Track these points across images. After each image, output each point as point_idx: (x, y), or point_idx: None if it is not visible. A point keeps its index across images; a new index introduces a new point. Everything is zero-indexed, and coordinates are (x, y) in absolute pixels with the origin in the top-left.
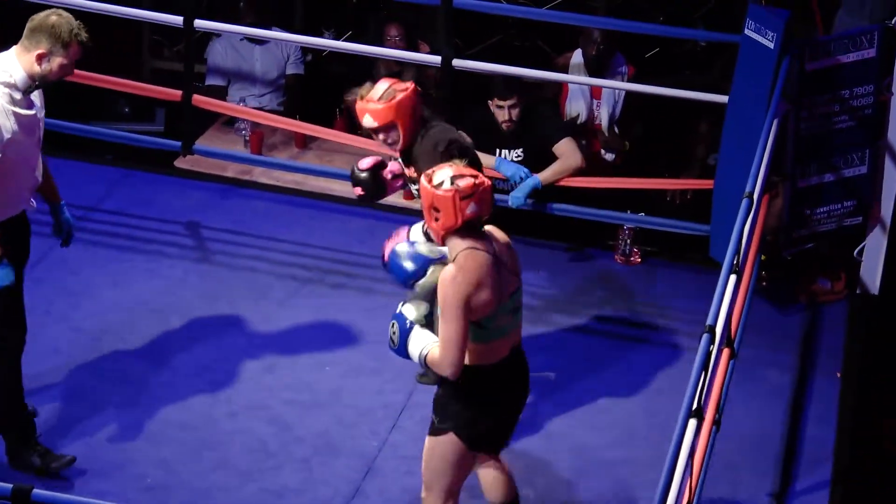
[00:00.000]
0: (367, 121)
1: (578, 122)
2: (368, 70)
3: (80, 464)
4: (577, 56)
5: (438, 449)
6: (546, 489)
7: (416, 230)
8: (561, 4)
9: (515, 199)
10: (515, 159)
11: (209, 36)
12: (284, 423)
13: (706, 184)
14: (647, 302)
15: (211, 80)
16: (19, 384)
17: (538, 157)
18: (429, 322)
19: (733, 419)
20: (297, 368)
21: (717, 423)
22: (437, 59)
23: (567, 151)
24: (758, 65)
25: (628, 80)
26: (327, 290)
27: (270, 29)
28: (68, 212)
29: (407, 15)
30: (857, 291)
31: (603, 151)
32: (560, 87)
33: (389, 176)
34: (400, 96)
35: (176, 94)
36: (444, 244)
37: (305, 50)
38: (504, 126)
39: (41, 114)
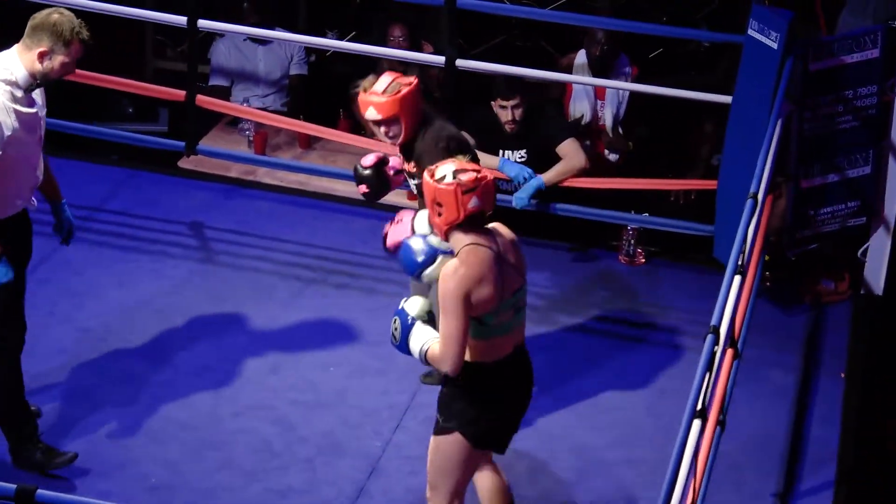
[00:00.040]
0: (371, 113)
1: (582, 122)
2: (372, 70)
3: (84, 463)
4: (580, 56)
5: (444, 448)
6: (548, 489)
7: (422, 218)
8: (564, 5)
9: (519, 199)
10: (519, 160)
11: (212, 36)
12: (289, 424)
13: (710, 184)
14: (650, 302)
15: (214, 81)
16: (20, 383)
17: (542, 158)
18: (431, 318)
19: (737, 420)
20: (302, 368)
21: (721, 423)
22: (440, 59)
23: (571, 152)
24: (761, 65)
25: (632, 81)
26: (331, 291)
27: (274, 29)
28: (69, 211)
29: (410, 15)
30: (861, 292)
31: (606, 152)
32: (564, 88)
33: (392, 172)
34: (404, 90)
35: (179, 94)
36: (447, 240)
37: (309, 50)
38: (507, 127)
39: (42, 112)
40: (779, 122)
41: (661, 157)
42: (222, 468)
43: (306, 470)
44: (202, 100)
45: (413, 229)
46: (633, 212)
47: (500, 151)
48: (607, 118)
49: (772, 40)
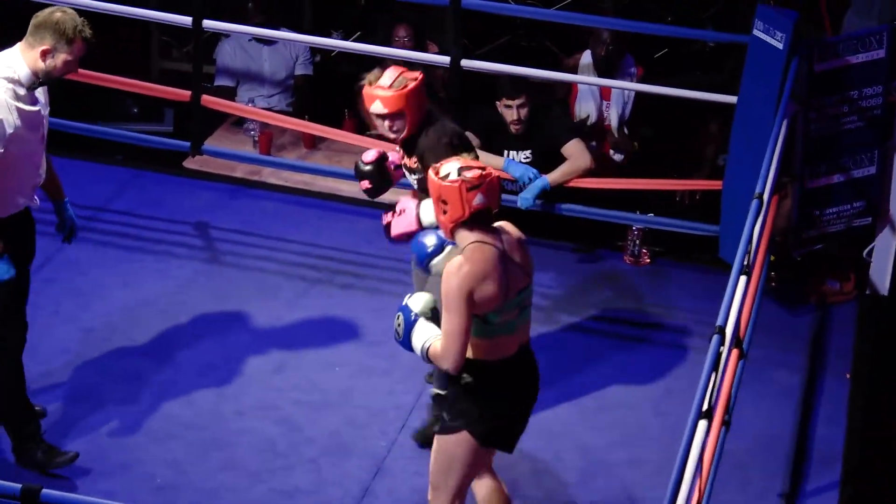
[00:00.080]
0: (377, 107)
1: (588, 123)
2: None
3: (89, 463)
4: (586, 57)
5: (449, 447)
6: (552, 490)
7: (427, 207)
8: (569, 5)
9: (524, 200)
10: (524, 160)
11: (218, 36)
12: (294, 424)
13: (715, 184)
14: (655, 303)
15: (220, 81)
16: (21, 382)
17: (547, 158)
18: (436, 315)
19: (743, 420)
20: (307, 368)
21: (726, 423)
22: (445, 59)
23: (576, 152)
24: (767, 65)
25: (637, 81)
26: (336, 291)
27: (279, 29)
28: (72, 209)
29: (415, 15)
30: (867, 292)
31: (612, 152)
32: (569, 88)
33: (392, 167)
34: (411, 85)
35: (185, 94)
36: (453, 238)
37: (314, 50)
38: (512, 127)
39: (45, 111)
40: (784, 123)
41: (667, 158)
42: (227, 468)
43: (311, 470)
44: (207, 100)
45: (418, 218)
46: (638, 212)
47: (505, 152)
48: (613, 118)
49: (777, 40)
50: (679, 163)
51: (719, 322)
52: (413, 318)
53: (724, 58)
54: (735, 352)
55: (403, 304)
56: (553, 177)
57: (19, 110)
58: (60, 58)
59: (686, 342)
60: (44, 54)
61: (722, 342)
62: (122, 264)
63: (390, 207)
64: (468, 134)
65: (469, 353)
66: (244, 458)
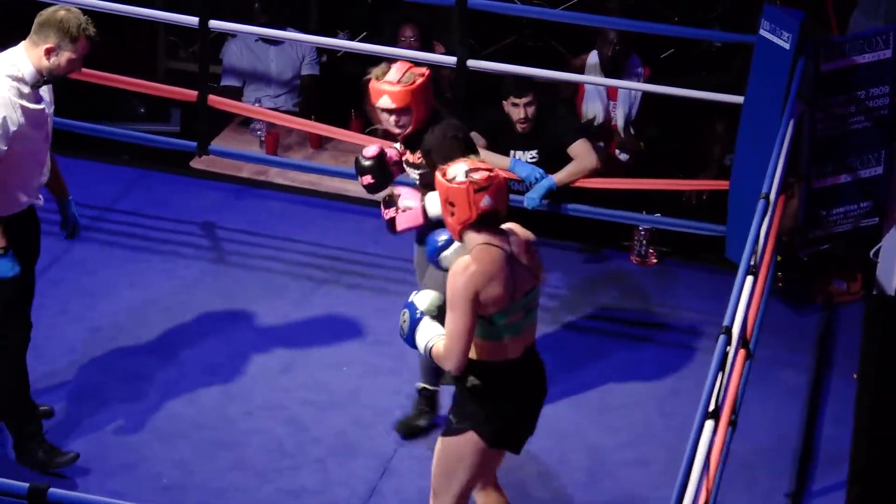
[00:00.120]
0: (385, 101)
1: (595, 123)
2: None
3: (94, 463)
4: (592, 57)
5: (455, 449)
6: (559, 490)
7: (433, 199)
8: (576, 5)
9: (531, 200)
10: (530, 160)
11: (224, 36)
12: (301, 423)
13: (722, 184)
14: (662, 303)
15: (226, 81)
16: (23, 381)
17: (553, 159)
18: (442, 313)
19: (750, 420)
20: (314, 368)
21: (733, 423)
22: (452, 59)
23: (582, 152)
24: (773, 65)
25: (644, 81)
26: (343, 291)
27: (285, 29)
28: (75, 208)
29: (421, 15)
30: (874, 292)
31: (618, 152)
32: (576, 88)
33: (390, 163)
34: (419, 81)
35: (191, 94)
36: (460, 240)
37: (320, 51)
38: (519, 126)
39: (50, 109)
40: (791, 123)
41: (673, 158)
42: (234, 468)
43: (319, 470)
44: (214, 100)
45: (424, 211)
46: (644, 212)
47: (511, 152)
48: (619, 118)
49: (784, 41)
50: (685, 163)
51: (726, 322)
52: (418, 316)
53: (731, 58)
54: (742, 352)
55: (409, 300)
56: (559, 177)
57: (23, 108)
58: (64, 56)
59: (693, 342)
60: (48, 52)
61: (728, 342)
62: (128, 264)
63: (388, 201)
64: (474, 134)
65: (475, 355)
66: (251, 458)
